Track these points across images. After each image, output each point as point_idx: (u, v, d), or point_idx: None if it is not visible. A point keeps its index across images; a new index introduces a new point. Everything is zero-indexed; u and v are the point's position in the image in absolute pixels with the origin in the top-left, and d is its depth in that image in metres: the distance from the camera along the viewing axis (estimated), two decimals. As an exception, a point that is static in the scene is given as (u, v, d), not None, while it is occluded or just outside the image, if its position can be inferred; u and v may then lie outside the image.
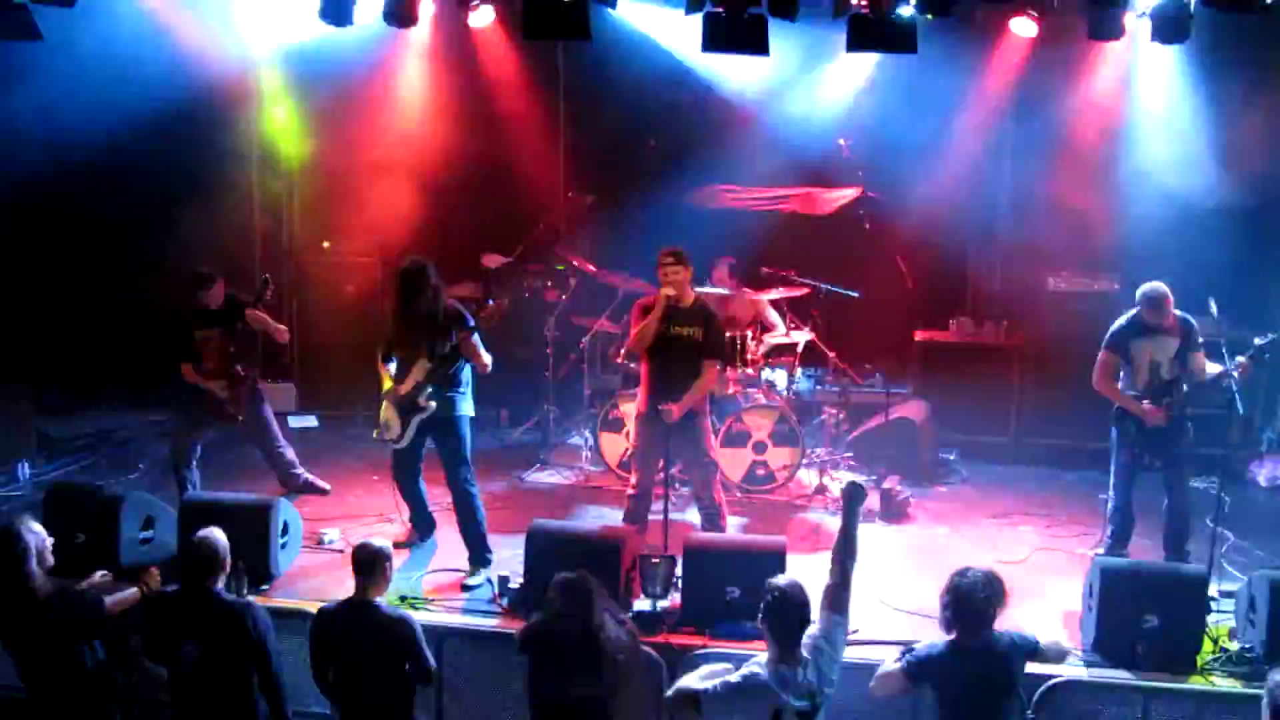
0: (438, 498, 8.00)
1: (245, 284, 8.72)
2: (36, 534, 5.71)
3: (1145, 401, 7.40)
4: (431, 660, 5.65)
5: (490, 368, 7.43)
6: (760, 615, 5.19)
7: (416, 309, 7.41)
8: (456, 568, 7.55)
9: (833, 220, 10.62)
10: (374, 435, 7.70)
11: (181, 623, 5.56)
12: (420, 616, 6.30)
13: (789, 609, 5.12)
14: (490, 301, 7.46)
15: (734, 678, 5.08)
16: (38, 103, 9.90)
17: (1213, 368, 7.36)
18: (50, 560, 5.74)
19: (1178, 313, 7.46)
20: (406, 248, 10.54)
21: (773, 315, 9.66)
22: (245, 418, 8.42)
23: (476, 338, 7.27)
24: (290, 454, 8.80)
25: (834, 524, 8.55)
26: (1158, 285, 7.40)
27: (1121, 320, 7.62)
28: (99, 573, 6.37)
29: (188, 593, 5.61)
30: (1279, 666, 4.84)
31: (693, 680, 5.17)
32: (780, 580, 5.25)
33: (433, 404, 7.43)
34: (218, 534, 5.69)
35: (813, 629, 5.21)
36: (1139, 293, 7.47)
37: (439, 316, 7.43)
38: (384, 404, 7.59)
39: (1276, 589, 6.33)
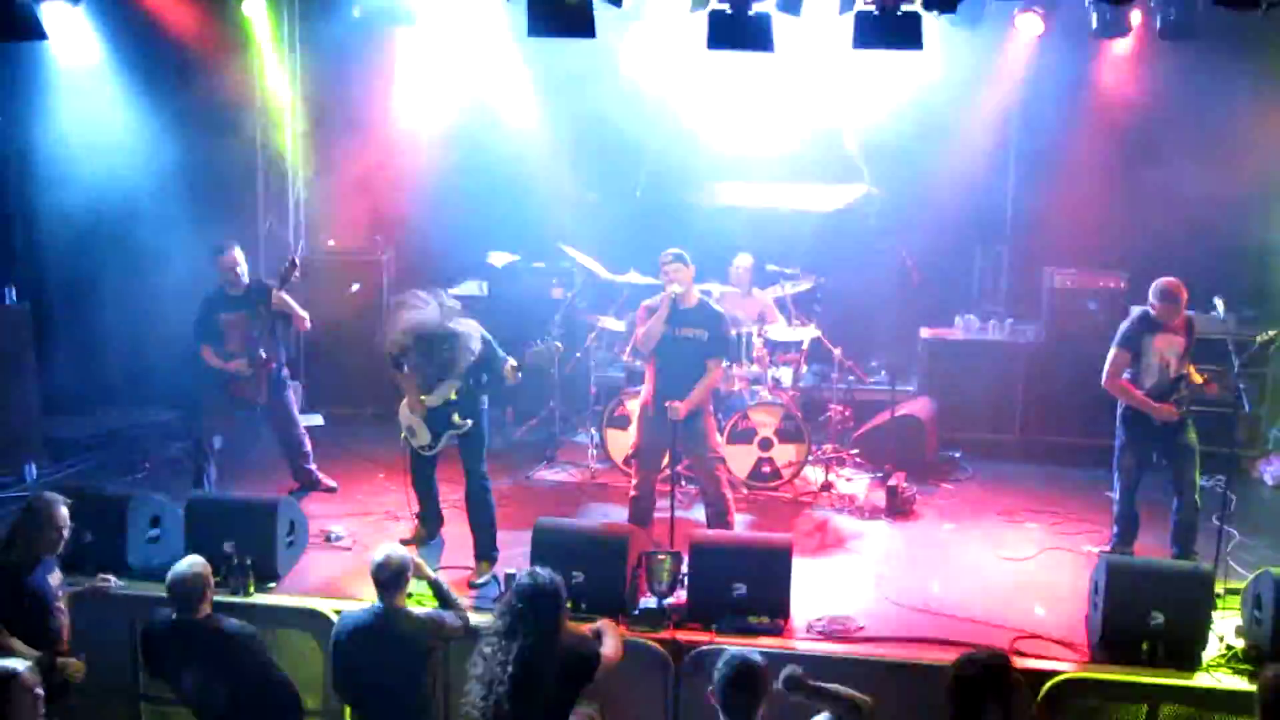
0: (445, 494, 8.00)
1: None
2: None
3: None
4: (460, 619, 5.71)
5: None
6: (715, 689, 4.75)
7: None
8: (464, 565, 7.56)
9: (838, 217, 10.61)
10: (401, 438, 7.69)
11: (178, 654, 5.57)
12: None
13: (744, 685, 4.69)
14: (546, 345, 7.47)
15: None
16: (34, 110, 9.92)
17: (1195, 377, 7.37)
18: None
19: (1187, 313, 7.46)
20: (414, 246, 10.61)
21: (778, 312, 9.66)
22: (267, 402, 8.48)
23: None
24: (308, 446, 8.85)
25: (840, 522, 8.61)
26: (1174, 280, 7.39)
27: (1132, 318, 7.62)
28: (101, 577, 6.43)
29: (179, 626, 5.59)
30: (1271, 664, 4.85)
31: None
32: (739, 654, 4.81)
33: (469, 422, 7.44)
34: (194, 564, 5.64)
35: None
36: (1154, 286, 7.44)
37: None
38: (405, 409, 7.57)
39: (1282, 586, 6.34)
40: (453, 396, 7.43)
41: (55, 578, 6.01)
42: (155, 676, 5.83)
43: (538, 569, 5.26)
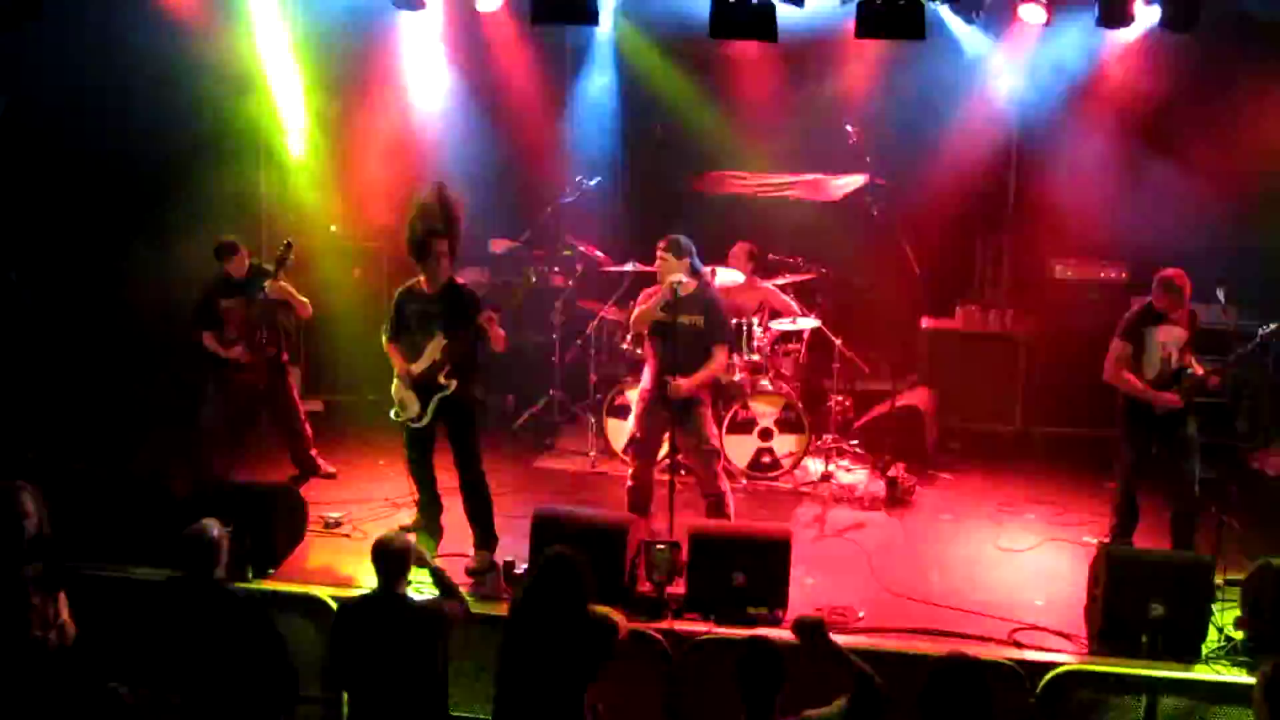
0: (442, 481, 8.00)
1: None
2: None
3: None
4: (461, 608, 5.71)
5: (505, 346, 7.45)
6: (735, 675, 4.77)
7: (431, 279, 7.37)
8: (461, 553, 7.55)
9: (840, 207, 10.59)
10: (391, 415, 7.68)
11: (184, 617, 5.54)
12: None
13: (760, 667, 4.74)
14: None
15: None
16: (35, 81, 9.88)
17: (1196, 369, 7.37)
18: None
19: (1189, 305, 7.45)
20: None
21: (779, 302, 9.64)
22: (266, 387, 8.48)
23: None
24: (308, 432, 8.85)
25: (840, 512, 8.61)
26: (1179, 272, 7.37)
27: (1135, 309, 7.60)
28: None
29: (187, 584, 5.59)
30: (1270, 657, 4.85)
31: None
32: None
33: (454, 382, 7.39)
34: (212, 524, 5.64)
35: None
36: (1158, 278, 7.42)
37: (453, 291, 7.41)
38: (396, 383, 7.58)
39: (1283, 579, 6.34)
40: (438, 356, 7.40)
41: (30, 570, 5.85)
42: (152, 642, 5.73)
43: (560, 546, 5.31)
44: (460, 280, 7.56)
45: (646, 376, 7.73)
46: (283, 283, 8.29)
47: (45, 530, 5.79)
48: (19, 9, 7.92)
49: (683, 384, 7.37)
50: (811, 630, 4.92)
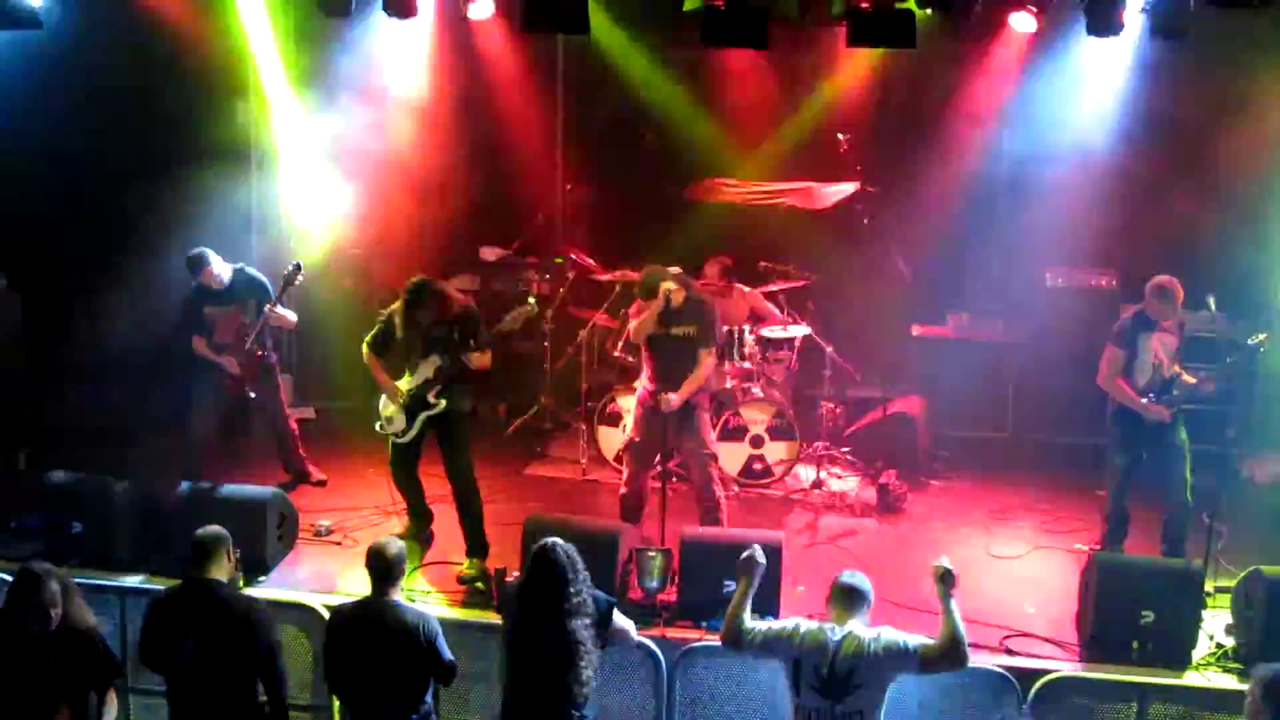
0: (432, 489, 8.00)
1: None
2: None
3: (1147, 399, 7.40)
4: (450, 656, 5.58)
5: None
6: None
7: (425, 318, 7.40)
8: (452, 560, 7.55)
9: (831, 215, 10.61)
10: (376, 428, 7.68)
11: (183, 618, 5.52)
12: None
13: (853, 586, 5.25)
14: (521, 307, 7.44)
15: (782, 623, 5.24)
16: (28, 95, 9.86)
17: (1187, 378, 7.38)
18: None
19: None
20: (405, 241, 10.59)
21: (769, 309, 9.64)
22: (257, 394, 8.45)
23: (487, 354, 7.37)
24: (298, 438, 8.85)
25: (831, 520, 8.63)
26: (1172, 279, 7.38)
27: (1128, 316, 7.61)
28: None
29: (190, 588, 5.58)
30: (1261, 664, 4.87)
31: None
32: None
33: (444, 402, 7.42)
34: (217, 529, 5.67)
35: (900, 637, 5.11)
36: (1151, 285, 7.43)
37: (449, 321, 7.42)
38: (384, 398, 7.58)
39: (1272, 585, 6.35)
40: (430, 375, 7.42)
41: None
42: (151, 648, 5.69)
43: (552, 540, 5.26)
44: (464, 303, 7.58)
45: (646, 381, 7.74)
46: (280, 310, 8.25)
47: (79, 621, 5.46)
48: (15, 21, 7.91)
49: (674, 398, 7.39)
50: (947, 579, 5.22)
